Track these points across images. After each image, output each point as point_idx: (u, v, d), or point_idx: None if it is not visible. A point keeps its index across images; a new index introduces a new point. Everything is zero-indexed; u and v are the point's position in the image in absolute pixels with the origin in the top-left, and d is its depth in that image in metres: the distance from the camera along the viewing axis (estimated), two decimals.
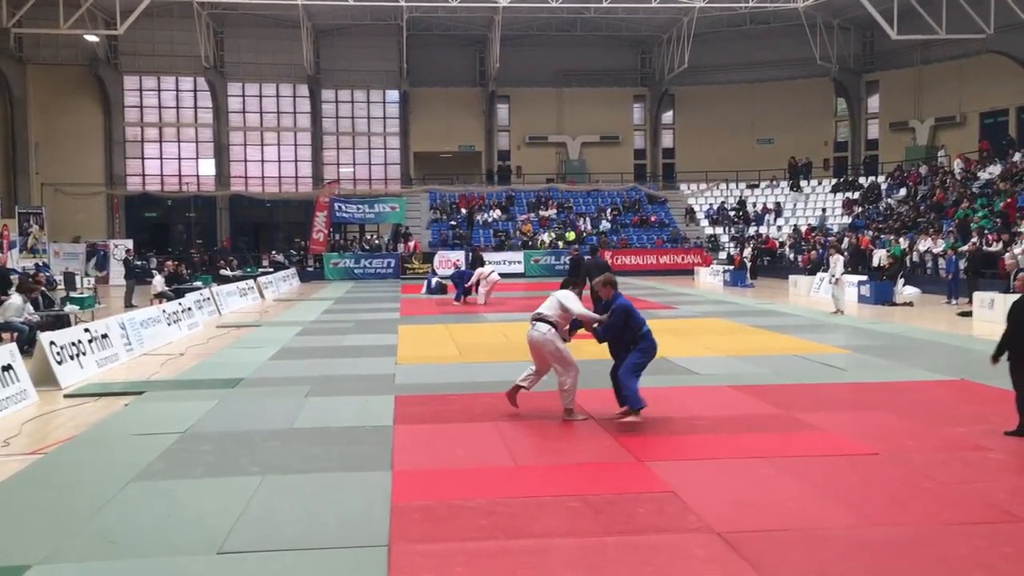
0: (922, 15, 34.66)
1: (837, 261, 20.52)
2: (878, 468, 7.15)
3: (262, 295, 27.63)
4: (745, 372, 11.84)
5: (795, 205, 44.00)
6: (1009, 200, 29.76)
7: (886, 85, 45.33)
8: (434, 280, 28.83)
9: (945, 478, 6.79)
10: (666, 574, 5.02)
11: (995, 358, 8.28)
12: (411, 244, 40.48)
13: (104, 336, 13.43)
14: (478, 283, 23.63)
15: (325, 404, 9.91)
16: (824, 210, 42.11)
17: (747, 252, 35.50)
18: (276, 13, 42.35)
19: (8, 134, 41.62)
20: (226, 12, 43.00)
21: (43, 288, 17.47)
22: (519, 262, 39.11)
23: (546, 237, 41.44)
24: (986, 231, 27.15)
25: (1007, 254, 23.43)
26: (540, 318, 8.91)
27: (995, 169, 34.72)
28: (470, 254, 34.22)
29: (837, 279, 20.23)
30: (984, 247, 25.43)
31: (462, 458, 7.60)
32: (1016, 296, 8.48)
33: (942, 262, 25.57)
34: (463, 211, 44.28)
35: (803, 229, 39.91)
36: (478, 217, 43.75)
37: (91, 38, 40.39)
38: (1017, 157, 34.40)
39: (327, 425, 8.84)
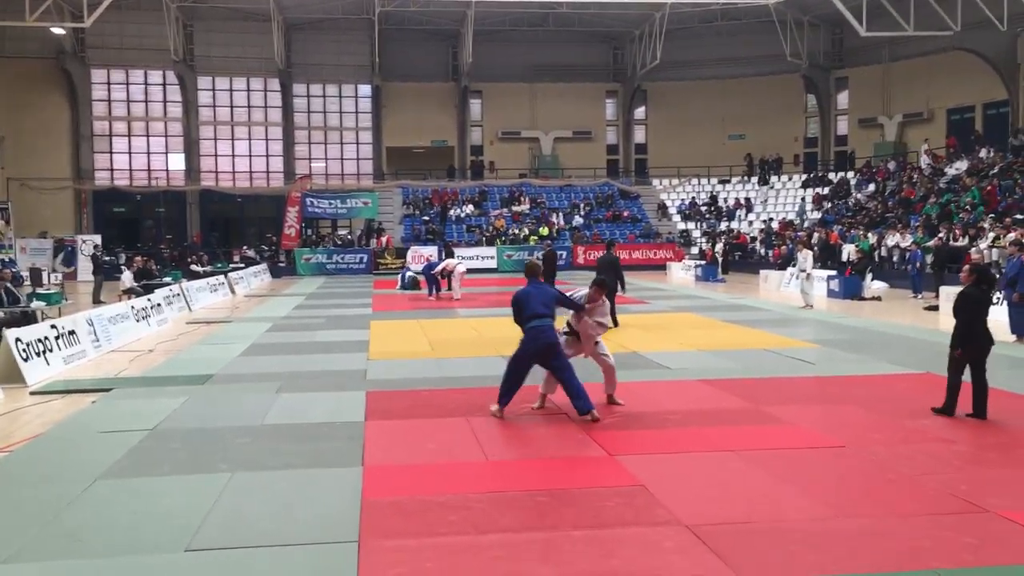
0: (890, 12, 35.00)
1: (807, 256, 20.70)
2: (845, 460, 7.24)
3: (233, 291, 27.44)
4: (715, 366, 11.93)
5: (765, 201, 44.31)
6: (990, 187, 30.05)
7: (855, 81, 45.77)
8: (407, 274, 28.79)
9: (910, 470, 6.89)
10: (635, 566, 5.06)
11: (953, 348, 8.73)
12: (384, 239, 40.35)
13: (71, 332, 13.28)
14: (448, 275, 23.70)
15: (296, 400, 9.87)
16: (803, 200, 42.31)
17: (718, 247, 35.73)
18: (247, 6, 42.01)
19: None
20: (196, 5, 42.59)
21: (8, 284, 17.21)
22: (492, 257, 39.11)
23: (519, 232, 41.44)
24: (953, 226, 27.50)
25: (972, 249, 23.76)
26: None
27: (962, 165, 35.18)
28: (442, 250, 34.22)
29: (808, 274, 20.40)
30: (951, 242, 25.75)
31: (433, 453, 7.60)
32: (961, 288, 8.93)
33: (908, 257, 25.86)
34: (436, 206, 44.20)
35: (775, 224, 40.24)
36: (451, 212, 43.68)
37: (58, 31, 39.84)
38: (983, 153, 34.88)
39: (298, 421, 8.80)
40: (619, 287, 16.63)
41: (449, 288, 23.81)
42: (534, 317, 8.66)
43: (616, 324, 16.49)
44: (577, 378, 8.69)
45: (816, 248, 30.07)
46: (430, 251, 38.06)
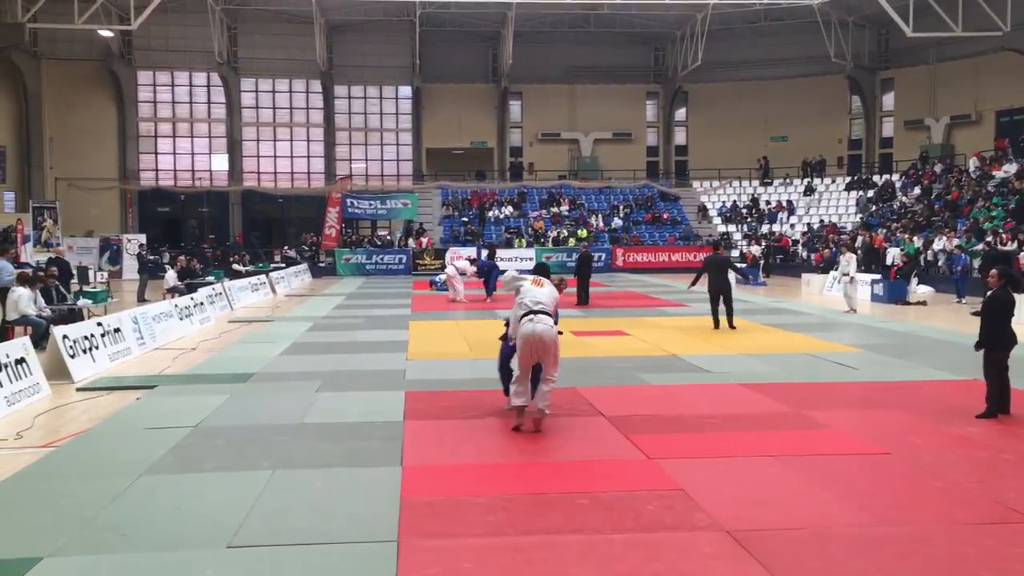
0: (938, 12, 34.40)
1: (851, 260, 20.42)
2: (888, 467, 7.13)
3: (274, 290, 27.72)
4: (756, 370, 11.81)
5: (808, 208, 43.72)
6: None
7: (901, 83, 45.06)
8: (439, 278, 28.64)
9: (955, 477, 6.77)
10: (674, 571, 5.02)
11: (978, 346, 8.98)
12: (424, 240, 40.50)
13: (117, 330, 13.50)
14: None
15: (335, 399, 9.94)
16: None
17: (755, 249, 35.37)
18: (289, 8, 42.42)
19: (23, 129, 41.87)
20: (240, 7, 43.09)
21: (58, 282, 17.54)
22: (531, 259, 39.07)
23: (558, 234, 41.38)
24: (1000, 231, 26.98)
25: (1022, 254, 23.30)
26: (543, 311, 8.35)
27: (1011, 168, 34.50)
28: (484, 251, 34.18)
29: (852, 278, 20.13)
30: (998, 246, 25.28)
31: (471, 454, 7.62)
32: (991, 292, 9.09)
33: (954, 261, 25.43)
34: (474, 207, 44.30)
35: (816, 226, 39.78)
36: (490, 214, 43.74)
37: (105, 33, 40.53)
38: None
39: (337, 420, 8.87)
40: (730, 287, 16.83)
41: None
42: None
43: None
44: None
45: (860, 252, 29.73)
46: (469, 252, 38.17)
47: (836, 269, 20.13)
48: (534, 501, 6.27)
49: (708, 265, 17.13)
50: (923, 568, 5.01)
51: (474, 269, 24.36)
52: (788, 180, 45.70)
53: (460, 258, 28.71)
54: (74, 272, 23.98)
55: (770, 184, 45.86)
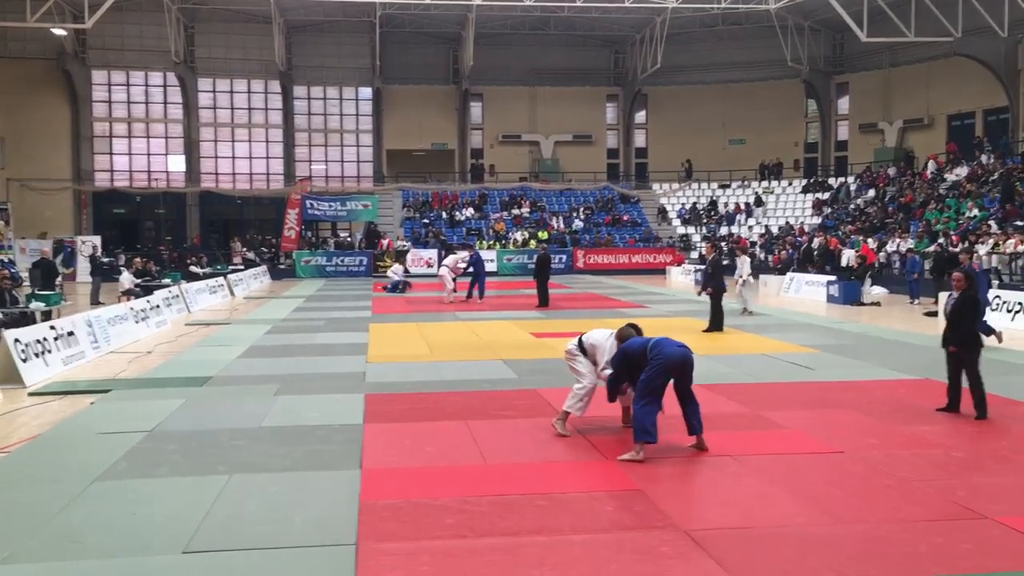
0: (891, 18, 35.02)
1: (744, 262, 20.56)
2: (842, 466, 7.24)
3: (232, 293, 27.44)
4: (715, 371, 11.92)
5: (764, 212, 44.22)
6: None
7: (855, 87, 45.80)
8: (396, 278, 28.87)
9: (908, 475, 6.89)
10: (632, 572, 5.06)
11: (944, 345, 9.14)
12: (385, 242, 40.32)
13: (70, 334, 13.28)
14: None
15: (294, 402, 9.87)
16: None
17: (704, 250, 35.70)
18: (248, 8, 42.03)
19: None
20: (197, 7, 42.60)
21: (9, 285, 17.22)
22: (492, 260, 39.09)
23: (519, 236, 41.45)
24: (951, 232, 27.52)
25: (962, 252, 23.76)
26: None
27: (962, 171, 35.22)
28: (442, 251, 34.17)
29: (745, 280, 20.25)
30: (948, 248, 25.77)
31: (432, 456, 7.60)
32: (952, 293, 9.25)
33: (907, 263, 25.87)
34: (436, 210, 44.23)
35: (774, 229, 40.27)
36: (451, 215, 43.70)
37: (58, 32, 39.82)
38: (984, 159, 34.90)
39: (296, 424, 8.80)
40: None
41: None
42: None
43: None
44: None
45: (816, 254, 30.16)
46: (430, 254, 38.11)
47: (736, 273, 20.14)
48: (493, 503, 6.28)
49: (717, 267, 17.12)
50: (876, 566, 5.09)
51: (464, 266, 23.95)
52: (746, 183, 46.20)
53: (422, 263, 28.80)
54: (61, 272, 23.62)
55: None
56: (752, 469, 7.11)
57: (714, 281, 16.56)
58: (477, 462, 7.43)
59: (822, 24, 43.60)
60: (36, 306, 17.06)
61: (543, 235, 41.12)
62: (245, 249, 40.31)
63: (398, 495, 6.45)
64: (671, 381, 7.67)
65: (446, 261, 24.57)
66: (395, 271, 30.00)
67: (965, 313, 8.98)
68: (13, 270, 27.67)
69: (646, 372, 7.51)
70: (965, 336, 8.96)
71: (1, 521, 5.95)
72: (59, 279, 28.39)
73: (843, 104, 46.73)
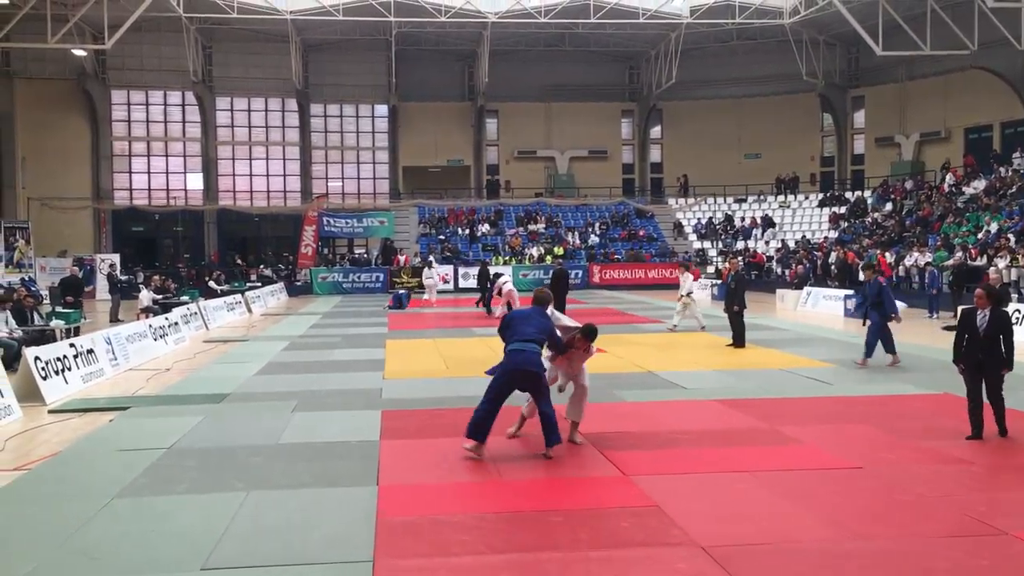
0: (907, 32, 34.96)
1: (687, 279, 20.49)
2: (859, 481, 7.20)
3: (249, 310, 27.59)
4: (731, 386, 11.89)
5: (780, 223, 44.16)
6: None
7: (871, 100, 45.69)
8: (400, 293, 29.42)
9: (925, 491, 6.85)
10: None
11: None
12: (401, 258, 40.44)
13: (89, 351, 13.39)
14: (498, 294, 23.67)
15: (311, 419, 9.91)
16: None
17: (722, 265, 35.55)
18: (265, 28, 42.42)
19: None
20: (215, 26, 43.03)
21: (31, 303, 17.39)
22: (507, 276, 39.09)
23: (535, 251, 41.49)
24: (970, 246, 27.34)
25: (991, 268, 23.62)
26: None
27: (979, 184, 35.02)
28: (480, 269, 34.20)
29: (690, 295, 20.15)
30: (968, 261, 25.62)
31: (448, 473, 7.62)
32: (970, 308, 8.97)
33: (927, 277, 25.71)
34: (452, 226, 44.35)
35: (791, 243, 40.14)
36: (466, 231, 43.78)
37: (79, 52, 40.38)
38: (1003, 171, 34.70)
39: (313, 440, 8.84)
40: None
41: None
42: (520, 340, 8.07)
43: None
44: (552, 409, 8.13)
45: (834, 267, 30.03)
46: (445, 270, 38.17)
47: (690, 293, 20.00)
48: (509, 519, 6.28)
49: (740, 282, 17.08)
50: None
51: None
52: (762, 197, 46.12)
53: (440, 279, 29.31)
54: (82, 289, 24.07)
55: (763, 201, 46.25)
56: (769, 484, 7.08)
57: (737, 297, 16.52)
58: (493, 478, 7.44)
59: (837, 38, 43.56)
60: (56, 324, 17.21)
61: (559, 251, 41.12)
62: (261, 267, 40.59)
63: (415, 512, 6.47)
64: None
65: (505, 283, 24.00)
66: (429, 284, 31.11)
67: (1001, 330, 8.59)
68: (33, 288, 27.96)
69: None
70: (1003, 355, 8.59)
71: (22, 537, 6.01)
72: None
73: (859, 117, 46.61)
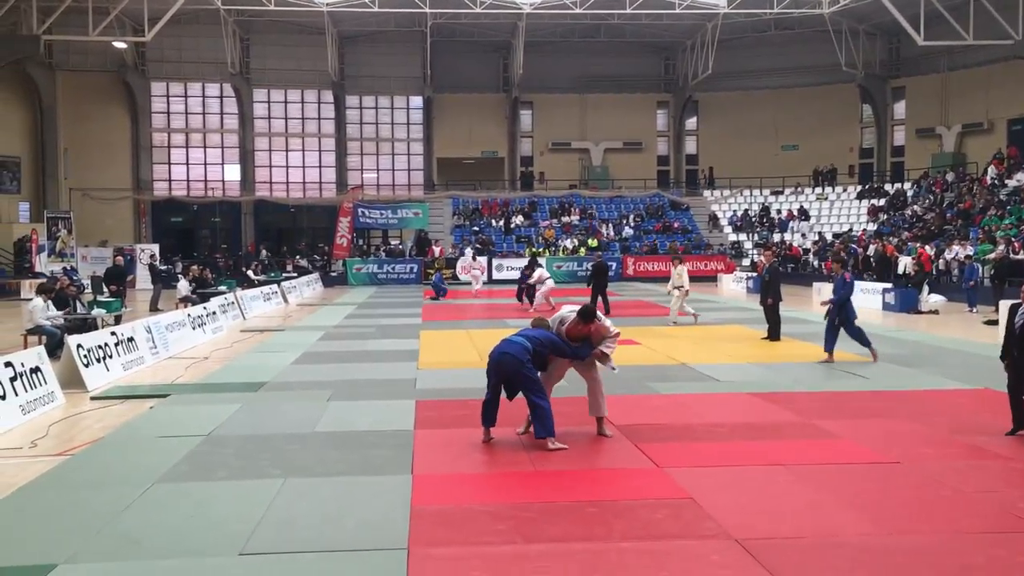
0: (949, 21, 34.36)
1: (682, 272, 20.31)
2: (897, 476, 7.12)
3: (286, 300, 27.85)
4: (766, 379, 11.81)
5: (819, 214, 43.67)
6: None
7: (912, 91, 44.98)
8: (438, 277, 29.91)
9: (964, 487, 6.76)
10: None
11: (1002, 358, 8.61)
12: (436, 250, 40.57)
13: (130, 340, 13.60)
14: (532, 286, 23.74)
15: (346, 408, 10.00)
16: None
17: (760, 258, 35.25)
18: (301, 20, 42.68)
19: (38, 140, 42.26)
20: (252, 19, 43.38)
21: (74, 292, 17.71)
22: (541, 267, 39.04)
23: (569, 243, 41.43)
24: (1013, 239, 26.88)
25: None
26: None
27: (1023, 176, 34.37)
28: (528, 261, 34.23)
29: (686, 289, 19.98)
30: (1011, 255, 25.18)
31: (481, 463, 7.66)
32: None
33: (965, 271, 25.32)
34: (486, 217, 44.38)
35: (829, 236, 39.71)
36: (500, 223, 43.79)
37: (119, 45, 40.96)
38: None
39: (348, 429, 8.92)
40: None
41: (530, 300, 23.83)
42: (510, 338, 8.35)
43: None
44: (547, 401, 8.12)
45: (873, 260, 29.66)
46: (480, 262, 38.17)
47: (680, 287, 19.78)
48: (543, 509, 6.30)
49: (775, 275, 16.84)
50: None
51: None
52: (799, 189, 45.63)
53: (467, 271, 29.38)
54: (126, 278, 24.63)
55: (800, 193, 45.79)
56: (804, 478, 7.03)
57: (772, 290, 16.35)
58: (527, 469, 7.46)
59: (877, 28, 42.93)
60: (98, 312, 17.51)
61: (592, 243, 41.00)
62: (297, 258, 40.93)
63: (448, 500, 6.51)
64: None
65: (543, 278, 24.11)
66: (475, 275, 31.64)
67: None
68: (75, 277, 28.45)
69: None
70: None
71: (64, 521, 6.14)
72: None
73: (899, 109, 45.91)
